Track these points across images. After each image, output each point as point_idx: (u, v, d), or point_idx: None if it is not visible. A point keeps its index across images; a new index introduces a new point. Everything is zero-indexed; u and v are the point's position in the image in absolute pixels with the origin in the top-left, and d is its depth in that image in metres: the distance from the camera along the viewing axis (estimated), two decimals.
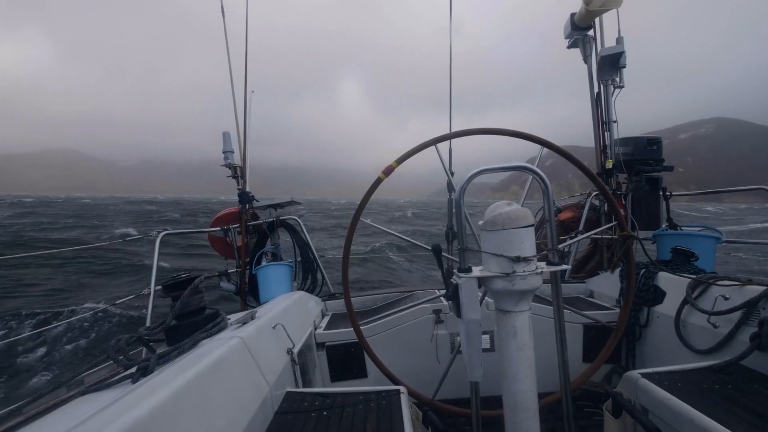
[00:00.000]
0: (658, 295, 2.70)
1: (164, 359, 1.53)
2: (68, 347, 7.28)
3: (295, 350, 2.23)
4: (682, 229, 3.62)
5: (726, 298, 2.15)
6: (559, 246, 1.70)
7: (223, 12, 4.45)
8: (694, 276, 2.50)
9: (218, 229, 4.28)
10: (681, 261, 2.91)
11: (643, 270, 2.85)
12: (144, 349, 1.81)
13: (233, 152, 4.27)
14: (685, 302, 2.38)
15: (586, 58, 4.36)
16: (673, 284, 2.61)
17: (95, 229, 24.85)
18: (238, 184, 4.31)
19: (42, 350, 7.08)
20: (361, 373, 2.96)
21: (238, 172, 4.32)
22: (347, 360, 2.94)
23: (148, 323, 3.00)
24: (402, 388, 1.90)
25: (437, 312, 2.96)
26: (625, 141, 4.16)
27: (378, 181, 2.07)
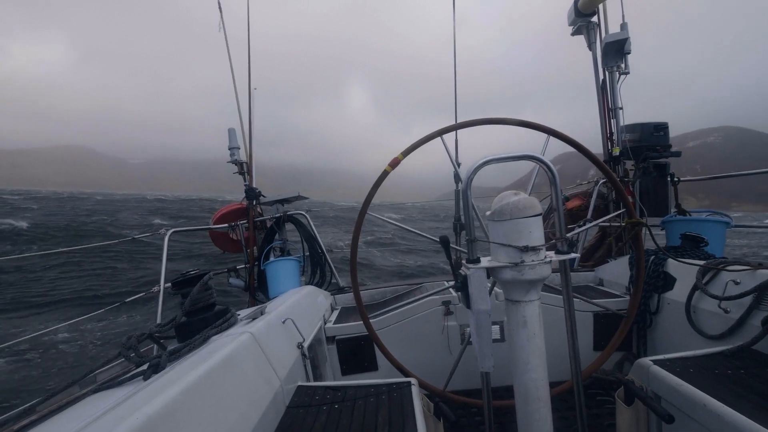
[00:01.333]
0: (668, 282, 2.67)
1: (175, 356, 1.54)
2: (78, 343, 7.40)
3: (306, 344, 2.23)
4: (690, 215, 3.58)
5: (737, 283, 2.13)
6: (568, 235, 1.68)
7: (220, 8, 4.47)
8: (704, 261, 2.47)
9: (226, 225, 4.29)
10: (690, 247, 2.88)
11: (653, 257, 2.82)
12: (155, 346, 1.82)
13: (239, 148, 4.30)
14: (695, 288, 2.35)
15: (591, 45, 4.32)
16: (683, 270, 2.58)
17: (141, 226, 25.66)
18: (244, 180, 4.33)
19: (51, 345, 7.22)
20: (371, 366, 2.97)
21: (244, 168, 4.34)
22: (357, 353, 2.94)
23: (158, 320, 3.02)
24: (413, 380, 1.90)
25: (446, 303, 2.96)
26: (632, 127, 4.12)
27: (385, 174, 2.06)
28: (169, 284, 2.85)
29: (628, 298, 2.97)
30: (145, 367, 1.42)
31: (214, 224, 4.36)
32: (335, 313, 3.33)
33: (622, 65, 4.18)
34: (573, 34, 4.43)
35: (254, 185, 4.34)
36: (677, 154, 4.06)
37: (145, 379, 1.35)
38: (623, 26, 4.11)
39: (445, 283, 3.29)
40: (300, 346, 2.19)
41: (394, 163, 2.04)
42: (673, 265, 2.70)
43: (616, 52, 4.12)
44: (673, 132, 4.05)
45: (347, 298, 3.68)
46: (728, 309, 2.11)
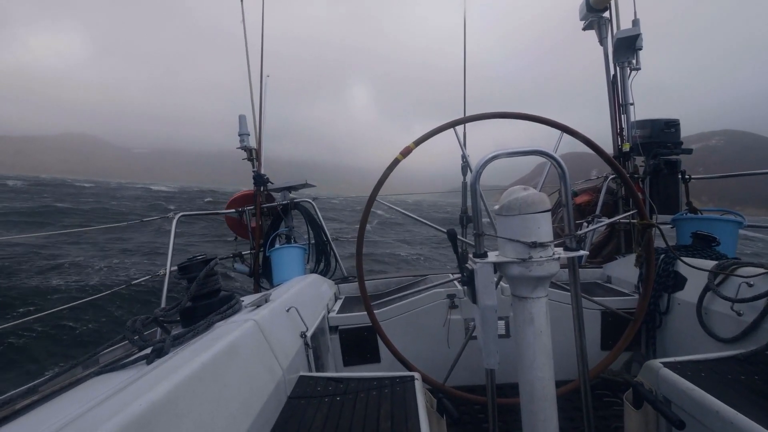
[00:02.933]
0: (679, 282, 2.63)
1: (179, 341, 1.53)
2: (81, 327, 7.45)
3: (309, 334, 2.22)
4: (702, 213, 3.53)
5: (750, 285, 2.08)
6: (578, 232, 1.65)
7: None
8: (715, 262, 2.42)
9: (233, 210, 4.31)
10: (702, 246, 2.83)
11: (663, 255, 2.77)
12: (159, 330, 1.82)
13: (249, 134, 4.30)
14: (707, 289, 2.31)
15: (602, 40, 4.27)
16: (693, 270, 2.52)
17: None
18: (253, 167, 4.33)
19: (55, 331, 7.27)
20: (373, 358, 2.95)
21: (253, 155, 4.34)
22: (360, 344, 2.93)
23: (163, 304, 3.03)
24: (416, 375, 1.88)
25: (451, 297, 2.93)
26: (642, 123, 4.07)
27: (395, 162, 2.04)
28: (175, 268, 2.85)
29: (636, 296, 2.93)
30: (148, 350, 1.41)
31: (227, 209, 4.40)
32: (339, 303, 3.31)
33: (634, 61, 4.13)
34: (584, 29, 4.38)
35: (262, 172, 4.34)
36: (688, 151, 4.01)
37: (148, 363, 1.34)
38: (635, 22, 4.06)
39: (450, 275, 3.26)
40: (303, 335, 2.17)
41: (406, 152, 2.02)
42: (683, 265, 2.65)
43: (627, 47, 4.07)
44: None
45: (351, 288, 3.66)
46: (741, 312, 2.07)
